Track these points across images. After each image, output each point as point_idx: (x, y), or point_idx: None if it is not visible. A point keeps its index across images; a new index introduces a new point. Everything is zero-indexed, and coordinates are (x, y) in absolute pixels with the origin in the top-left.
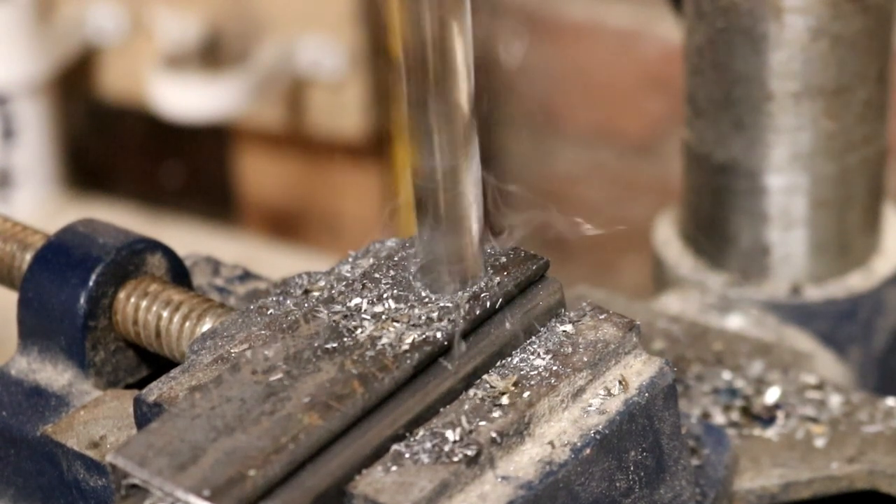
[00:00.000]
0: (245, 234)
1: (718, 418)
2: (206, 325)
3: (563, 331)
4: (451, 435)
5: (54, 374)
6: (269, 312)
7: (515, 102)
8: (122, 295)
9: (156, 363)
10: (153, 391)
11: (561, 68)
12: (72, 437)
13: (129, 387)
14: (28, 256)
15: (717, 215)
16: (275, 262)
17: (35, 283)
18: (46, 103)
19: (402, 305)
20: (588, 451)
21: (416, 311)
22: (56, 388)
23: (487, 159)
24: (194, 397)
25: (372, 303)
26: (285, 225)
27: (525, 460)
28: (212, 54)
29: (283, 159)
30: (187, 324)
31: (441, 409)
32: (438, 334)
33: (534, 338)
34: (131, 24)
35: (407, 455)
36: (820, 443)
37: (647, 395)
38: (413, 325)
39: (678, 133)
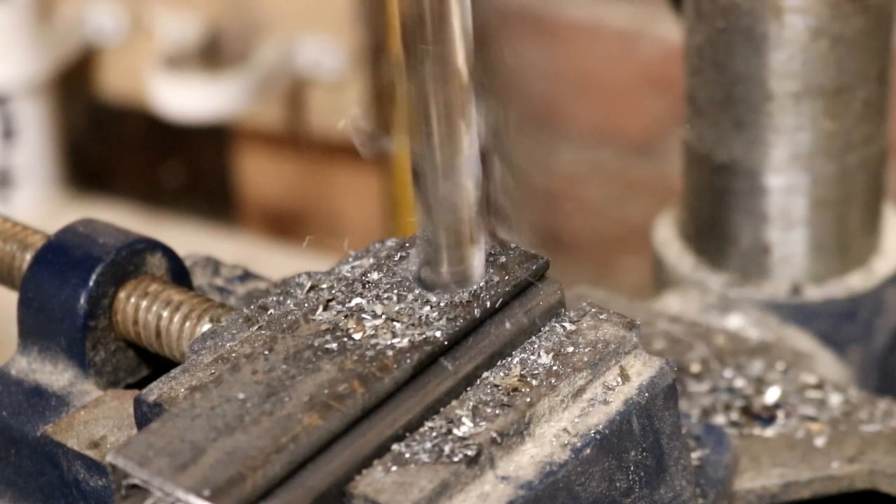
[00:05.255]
0: (245, 234)
1: (718, 418)
2: (206, 325)
3: (563, 331)
4: (451, 435)
5: (54, 374)
6: (269, 312)
7: (515, 102)
8: (122, 295)
9: (156, 363)
10: (153, 391)
11: (561, 68)
12: (72, 437)
13: (129, 387)
14: (28, 256)
15: (717, 215)
16: (275, 262)
17: (35, 283)
18: (46, 103)
19: (402, 305)
20: (588, 451)
21: (416, 310)
22: (56, 388)
23: (487, 159)
24: (194, 397)
25: (372, 303)
26: (285, 225)
27: (525, 460)
28: (212, 54)
29: (283, 159)
30: (187, 324)
31: (441, 409)
32: (438, 334)
33: (534, 338)
34: (131, 24)
35: (407, 455)
36: (820, 442)
37: (647, 395)
38: (413, 325)
39: (678, 133)
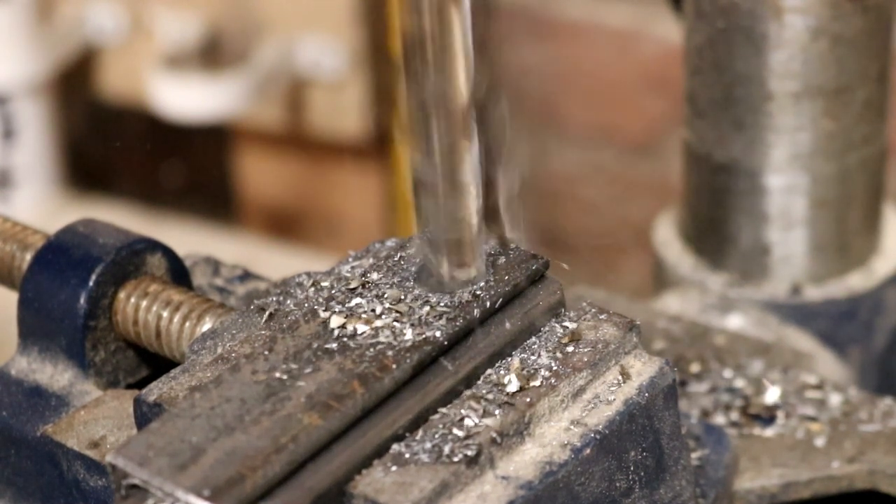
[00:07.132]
0: (245, 234)
1: (718, 418)
2: (206, 325)
3: (563, 331)
4: (451, 435)
5: (54, 374)
6: (268, 312)
7: (515, 102)
8: (122, 295)
9: (156, 363)
10: (153, 391)
11: (561, 68)
12: (72, 437)
13: (129, 387)
14: (28, 256)
15: (717, 215)
16: (275, 262)
17: (35, 283)
18: (46, 103)
19: (402, 305)
20: (588, 451)
21: (416, 310)
22: (56, 388)
23: (487, 160)
24: (194, 397)
25: (372, 303)
26: (285, 225)
27: (525, 460)
28: (212, 54)
29: (283, 159)
30: (187, 324)
31: (441, 409)
32: (438, 334)
33: (534, 338)
34: (131, 24)
35: (407, 455)
36: (820, 442)
37: (647, 395)
38: (413, 325)
39: (678, 133)
